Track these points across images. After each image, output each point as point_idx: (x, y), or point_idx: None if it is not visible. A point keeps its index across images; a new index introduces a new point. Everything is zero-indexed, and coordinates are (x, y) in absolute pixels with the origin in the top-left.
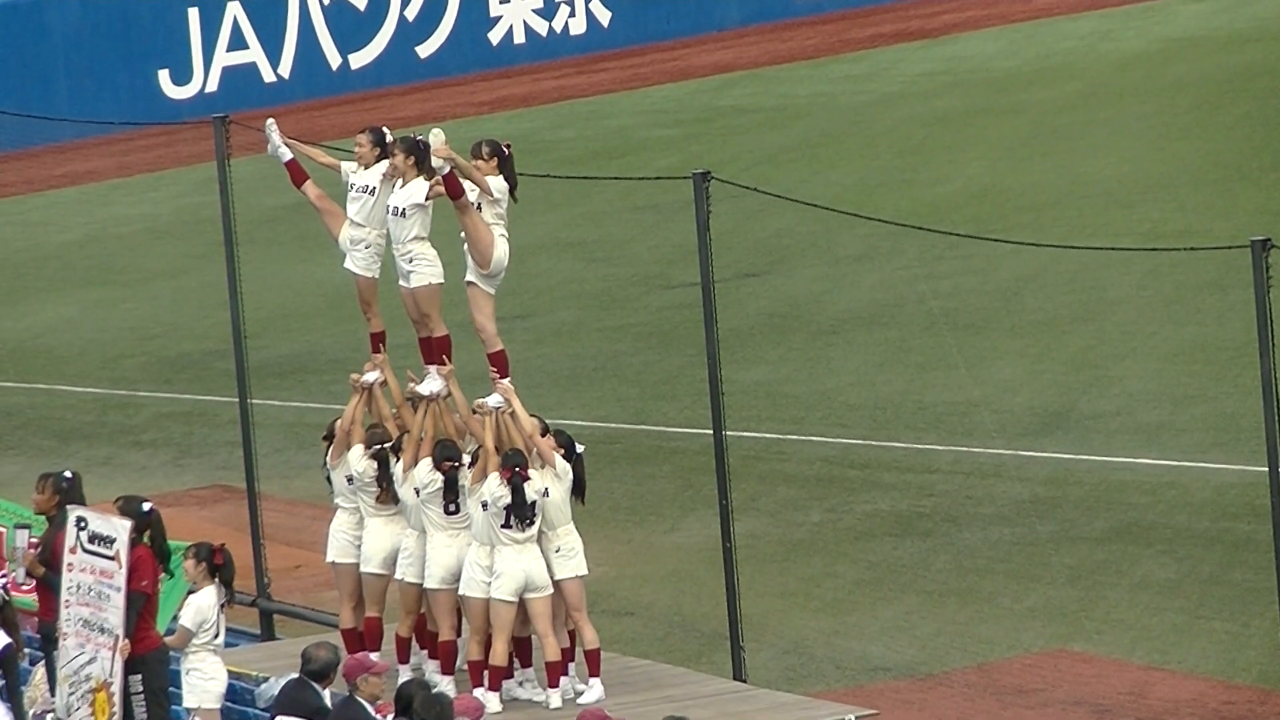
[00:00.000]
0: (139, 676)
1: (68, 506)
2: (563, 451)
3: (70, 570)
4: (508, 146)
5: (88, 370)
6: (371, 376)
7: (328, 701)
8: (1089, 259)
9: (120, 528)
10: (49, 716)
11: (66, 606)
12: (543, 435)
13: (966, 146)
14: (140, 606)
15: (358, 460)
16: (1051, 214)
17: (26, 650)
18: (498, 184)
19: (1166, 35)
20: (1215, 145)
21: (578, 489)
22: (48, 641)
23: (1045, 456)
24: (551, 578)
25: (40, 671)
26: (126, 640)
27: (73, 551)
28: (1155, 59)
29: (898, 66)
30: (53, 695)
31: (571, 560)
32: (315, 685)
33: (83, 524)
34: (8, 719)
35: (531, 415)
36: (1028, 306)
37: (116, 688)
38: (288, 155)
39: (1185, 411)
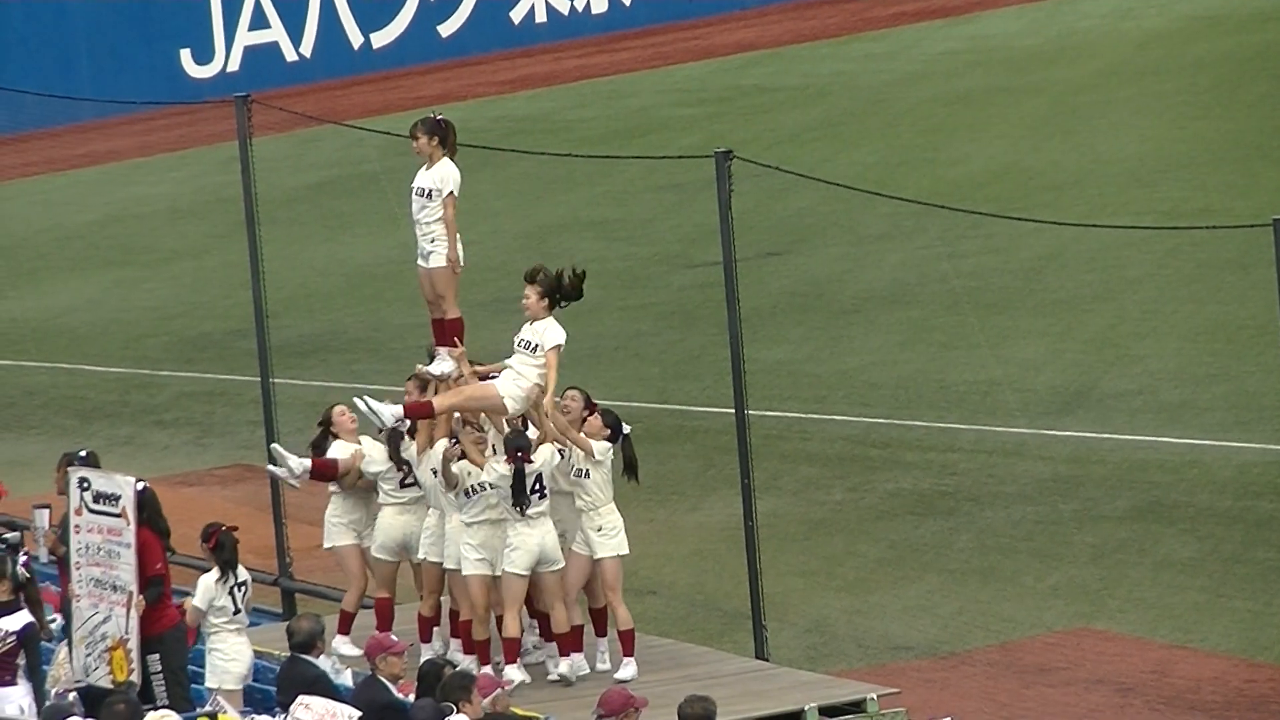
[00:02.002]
0: (157, 656)
1: (69, 468)
2: (609, 432)
3: (78, 531)
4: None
5: (110, 350)
6: (448, 367)
7: (323, 669)
8: (1110, 238)
9: (124, 484)
10: (71, 695)
11: (77, 568)
12: (589, 413)
13: (988, 125)
14: (161, 591)
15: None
16: (1073, 193)
17: (52, 627)
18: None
19: (1188, 14)
20: (1236, 124)
21: (630, 468)
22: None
23: (1067, 435)
24: (592, 556)
25: (63, 651)
26: (141, 597)
27: (78, 513)
28: (1176, 37)
29: (919, 45)
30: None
31: (613, 539)
32: (306, 657)
33: (85, 484)
34: (28, 699)
35: (574, 389)
36: (1049, 285)
37: (134, 644)
38: (306, 464)
39: (1207, 390)
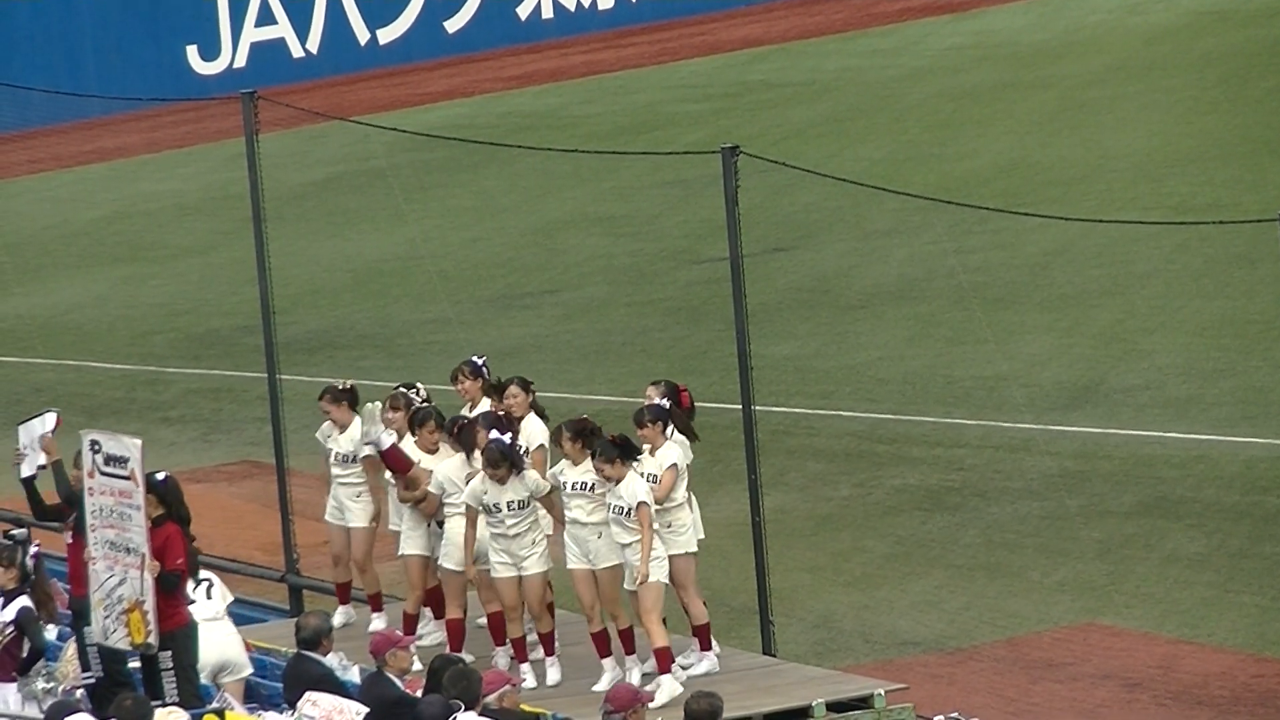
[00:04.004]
0: (168, 653)
1: (81, 431)
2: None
3: (91, 494)
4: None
5: (116, 347)
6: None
7: (330, 665)
8: (1118, 233)
9: (132, 447)
10: (78, 691)
11: (92, 530)
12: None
13: (995, 121)
14: (175, 586)
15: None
16: (1080, 188)
17: (54, 626)
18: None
19: (1195, 8)
20: (1244, 119)
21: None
22: (78, 617)
23: (1074, 430)
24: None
25: (71, 647)
26: (156, 562)
27: (90, 475)
28: (1184, 32)
29: (926, 41)
30: (84, 670)
31: (681, 536)
32: (313, 654)
33: (96, 446)
34: (16, 697)
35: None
36: (1056, 280)
37: (150, 605)
38: (389, 441)
39: (1214, 385)
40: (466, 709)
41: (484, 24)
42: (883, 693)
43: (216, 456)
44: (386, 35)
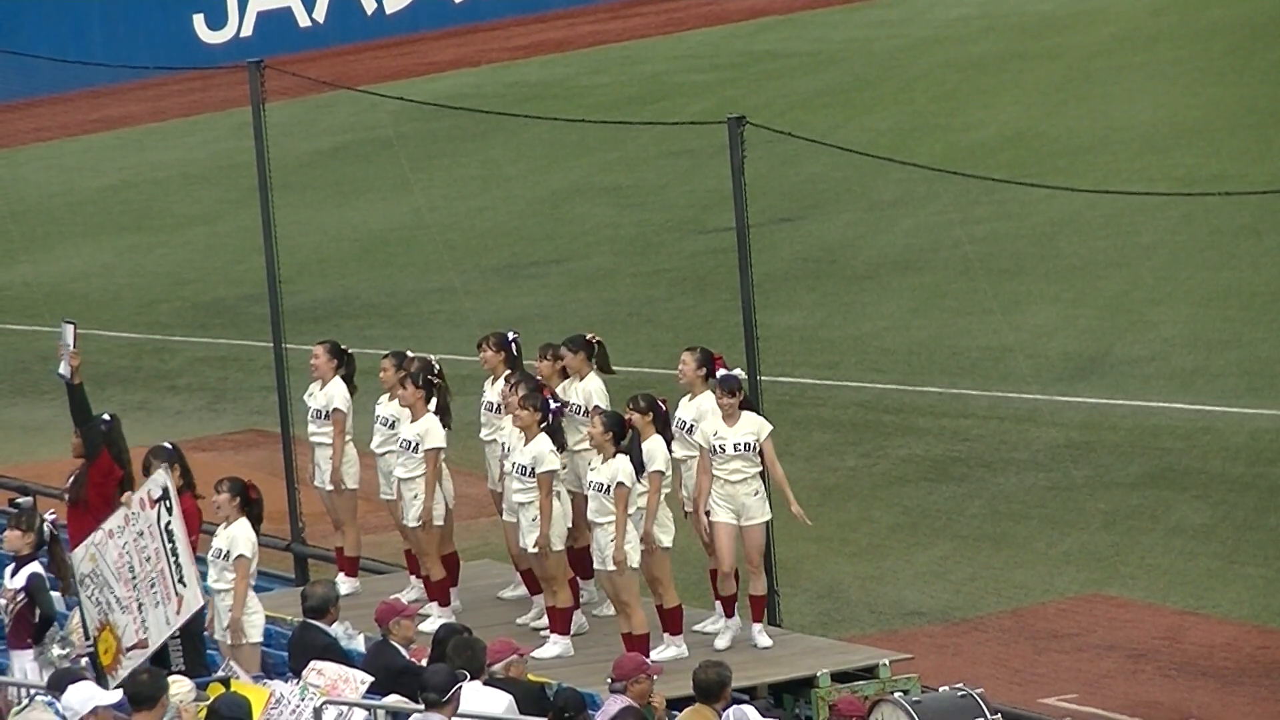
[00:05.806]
0: None
1: (152, 456)
2: (611, 435)
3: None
4: None
5: (123, 315)
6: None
7: (335, 636)
8: (1124, 204)
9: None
10: (83, 660)
11: (112, 537)
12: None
13: (1001, 91)
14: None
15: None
16: (1086, 159)
17: (62, 595)
18: None
19: None
20: (1250, 90)
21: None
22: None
23: (1080, 401)
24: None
25: (76, 616)
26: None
27: (143, 505)
28: (1190, 3)
29: (932, 11)
30: (87, 639)
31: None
32: (319, 624)
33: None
34: (33, 665)
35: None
36: (1063, 251)
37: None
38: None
39: (1220, 356)
40: (471, 678)
41: None
42: (888, 663)
43: (222, 425)
44: (393, 4)
